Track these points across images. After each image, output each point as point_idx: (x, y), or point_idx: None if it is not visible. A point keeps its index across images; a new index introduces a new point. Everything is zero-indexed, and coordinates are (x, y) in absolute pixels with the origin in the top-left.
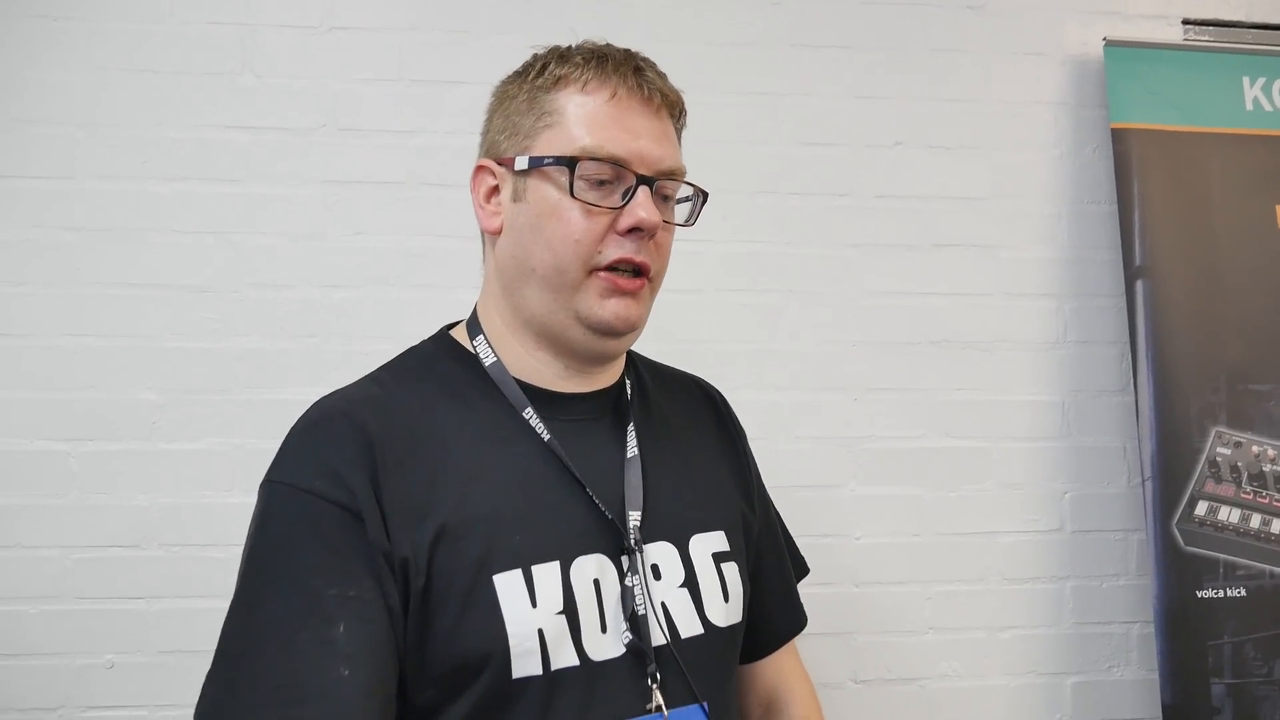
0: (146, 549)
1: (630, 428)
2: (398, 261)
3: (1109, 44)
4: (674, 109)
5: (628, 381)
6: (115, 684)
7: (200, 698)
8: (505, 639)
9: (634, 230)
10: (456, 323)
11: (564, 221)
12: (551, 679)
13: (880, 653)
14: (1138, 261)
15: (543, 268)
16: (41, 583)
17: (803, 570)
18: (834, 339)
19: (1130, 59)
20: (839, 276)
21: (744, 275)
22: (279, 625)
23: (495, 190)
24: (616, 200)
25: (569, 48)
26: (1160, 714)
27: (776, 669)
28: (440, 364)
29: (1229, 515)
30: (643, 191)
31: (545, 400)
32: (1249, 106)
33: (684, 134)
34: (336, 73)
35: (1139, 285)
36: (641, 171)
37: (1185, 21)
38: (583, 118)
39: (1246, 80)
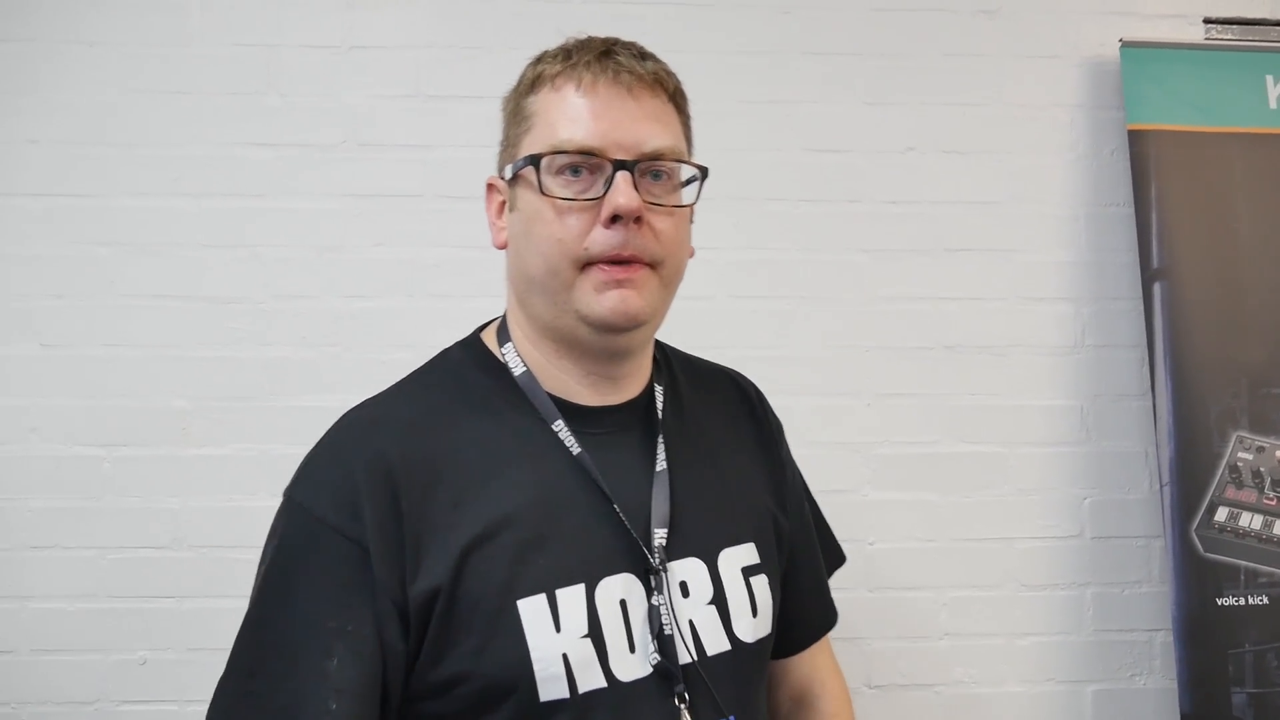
0: (177, 550)
1: (660, 439)
2: (416, 271)
3: (1125, 45)
4: (656, 87)
5: (658, 388)
6: (148, 679)
7: (213, 704)
8: (530, 665)
9: (617, 219)
10: (489, 323)
11: (545, 222)
12: (580, 702)
13: (895, 658)
14: (1155, 264)
15: (539, 273)
16: (79, 581)
17: (839, 559)
18: (847, 344)
19: (1147, 60)
20: (851, 282)
21: (756, 282)
22: (284, 647)
23: (504, 205)
24: (598, 191)
25: (548, 50)
26: None
27: (809, 664)
28: (469, 373)
29: (1250, 521)
30: (620, 176)
31: (573, 413)
32: (1273, 105)
33: (696, 138)
34: (356, 90)
35: (1156, 288)
36: (618, 156)
37: (1207, 20)
38: (553, 114)
39: (1270, 79)
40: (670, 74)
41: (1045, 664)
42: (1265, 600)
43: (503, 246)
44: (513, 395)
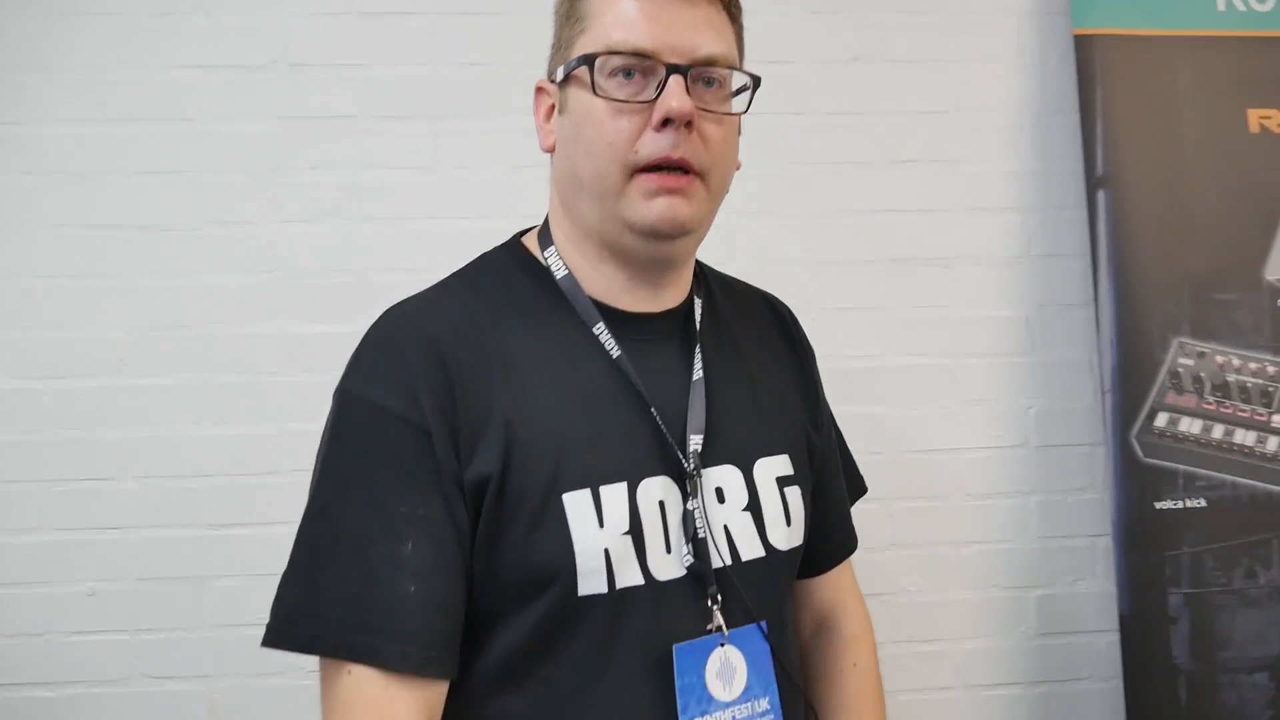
0: (121, 481)
1: (697, 349)
2: (352, 194)
3: None
4: None
5: (697, 300)
6: (97, 610)
7: (276, 599)
8: (572, 558)
9: (668, 123)
10: (529, 229)
11: (596, 124)
12: (617, 597)
13: None
14: (1099, 171)
15: (588, 177)
16: (24, 515)
17: (861, 489)
18: (791, 259)
19: None
20: (796, 196)
21: None
22: (353, 536)
23: (553, 109)
24: (650, 94)
25: None
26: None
27: (833, 587)
28: (512, 275)
29: (1190, 426)
30: (674, 80)
31: (614, 318)
32: (1221, 7)
33: None
34: (286, 8)
35: (1100, 195)
36: (673, 61)
37: None
38: (608, 16)
39: None
40: None
41: (991, 571)
42: (1203, 503)
43: (550, 149)
44: (555, 298)
